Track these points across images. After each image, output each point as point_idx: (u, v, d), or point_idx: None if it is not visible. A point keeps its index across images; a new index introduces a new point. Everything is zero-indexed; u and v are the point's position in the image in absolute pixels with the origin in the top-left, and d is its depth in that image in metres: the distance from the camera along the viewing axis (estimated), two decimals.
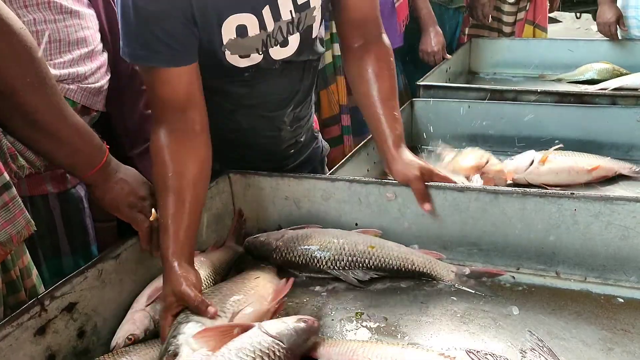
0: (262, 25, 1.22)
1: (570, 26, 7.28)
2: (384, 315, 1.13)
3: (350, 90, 1.75)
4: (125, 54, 1.18)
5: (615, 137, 1.84)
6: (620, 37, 2.90)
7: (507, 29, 3.28)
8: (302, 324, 0.98)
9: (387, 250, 1.24)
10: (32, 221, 0.99)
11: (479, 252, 1.27)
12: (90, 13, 1.34)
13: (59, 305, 0.99)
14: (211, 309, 1.01)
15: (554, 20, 5.89)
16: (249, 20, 1.20)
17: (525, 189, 1.24)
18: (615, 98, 1.94)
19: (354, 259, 1.23)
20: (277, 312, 1.11)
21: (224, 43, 1.21)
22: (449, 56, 2.77)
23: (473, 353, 0.98)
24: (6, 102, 0.97)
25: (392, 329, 1.09)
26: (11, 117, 1.00)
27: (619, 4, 2.96)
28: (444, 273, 1.23)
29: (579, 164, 1.68)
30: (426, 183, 1.27)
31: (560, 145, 1.74)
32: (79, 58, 1.29)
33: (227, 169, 1.42)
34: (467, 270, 1.22)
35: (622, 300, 1.14)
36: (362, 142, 1.70)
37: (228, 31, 1.20)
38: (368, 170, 1.68)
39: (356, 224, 1.35)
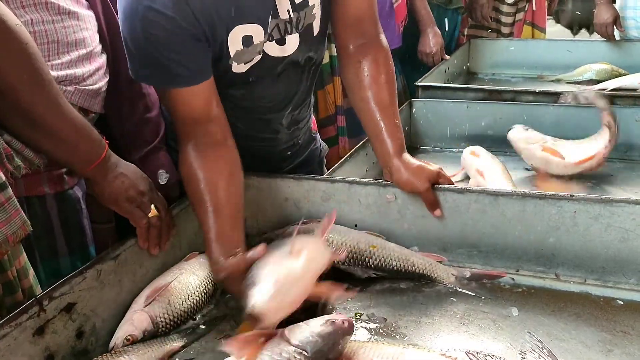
0: (267, 30, 1.21)
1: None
2: (384, 316, 1.13)
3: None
4: (140, 76, 1.21)
5: None
6: (618, 38, 2.90)
7: (505, 30, 3.29)
8: (329, 327, 0.90)
9: (388, 250, 1.24)
10: (28, 221, 0.99)
11: (479, 254, 1.27)
12: (89, 14, 1.33)
13: (57, 306, 0.98)
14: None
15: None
16: (255, 30, 1.19)
17: (525, 190, 1.24)
18: (614, 98, 1.95)
19: (354, 256, 1.23)
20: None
21: (232, 56, 1.21)
22: (447, 57, 2.78)
23: (472, 354, 0.98)
24: (3, 99, 0.96)
25: (392, 330, 1.09)
26: (9, 115, 0.99)
27: (617, 4, 2.97)
28: (444, 276, 1.22)
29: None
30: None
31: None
32: (77, 59, 1.28)
33: None
34: (467, 273, 1.22)
35: (621, 303, 1.14)
36: (361, 143, 1.69)
37: (234, 42, 1.19)
38: (367, 170, 1.68)
39: (356, 225, 1.34)
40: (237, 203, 1.19)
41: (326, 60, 2.45)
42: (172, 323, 1.10)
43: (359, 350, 0.97)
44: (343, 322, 0.91)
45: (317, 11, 1.28)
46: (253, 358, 0.86)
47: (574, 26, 4.21)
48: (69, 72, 1.25)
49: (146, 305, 1.10)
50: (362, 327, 1.10)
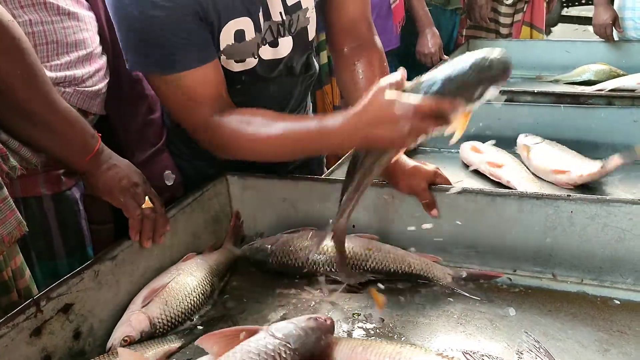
0: (258, 28, 1.20)
1: (567, 28, 7.30)
2: (381, 316, 1.13)
3: None
4: (141, 65, 1.16)
5: (611, 138, 1.84)
6: (616, 39, 2.91)
7: (504, 30, 3.30)
8: (312, 324, 0.94)
9: (384, 252, 1.24)
10: (24, 222, 0.99)
11: (476, 254, 1.27)
12: (89, 15, 1.33)
13: (54, 306, 0.99)
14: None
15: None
16: (246, 24, 1.19)
17: (522, 191, 1.25)
18: (612, 99, 1.95)
19: (352, 261, 1.23)
20: None
21: (221, 49, 1.19)
22: (445, 57, 2.78)
23: (469, 354, 0.98)
24: None
25: (389, 330, 1.10)
26: (3, 109, 1.00)
27: (615, 5, 2.98)
28: (441, 276, 1.23)
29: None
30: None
31: None
32: (77, 60, 1.28)
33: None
34: (463, 273, 1.22)
35: (618, 302, 1.14)
36: None
37: (227, 37, 1.18)
38: None
39: (353, 226, 1.35)
40: None
41: (324, 60, 2.46)
42: (169, 324, 1.10)
43: (357, 349, 0.97)
44: (325, 320, 0.96)
45: (311, 15, 1.27)
46: (224, 352, 0.90)
47: None
48: (68, 73, 1.25)
49: (144, 306, 1.10)
50: (360, 327, 1.10)
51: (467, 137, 1.95)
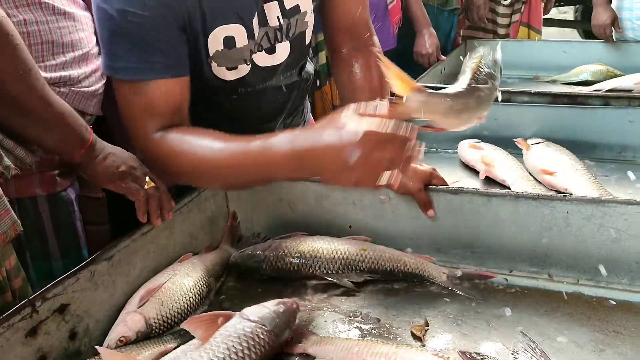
0: (251, 35, 1.17)
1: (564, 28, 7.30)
2: (377, 316, 1.13)
3: None
4: (112, 69, 1.09)
5: (608, 138, 1.85)
6: (614, 39, 2.91)
7: (501, 31, 3.30)
8: (282, 307, 1.01)
9: (379, 252, 1.24)
10: (19, 221, 0.99)
11: (472, 255, 1.27)
12: (85, 15, 1.33)
13: (50, 307, 0.98)
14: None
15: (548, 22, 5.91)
16: (237, 31, 1.15)
17: (518, 191, 1.25)
18: (608, 99, 1.95)
19: (347, 262, 1.23)
20: None
21: (211, 55, 1.16)
22: (443, 57, 2.78)
23: (466, 354, 0.98)
24: None
25: (385, 330, 1.10)
26: None
27: (613, 5, 2.98)
28: (436, 274, 1.23)
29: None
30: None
31: None
32: (72, 61, 1.28)
33: None
34: (458, 273, 1.22)
35: (614, 303, 1.14)
36: None
37: (215, 43, 1.14)
38: None
39: (350, 227, 1.35)
40: None
41: (323, 61, 2.46)
42: (165, 324, 1.10)
43: (353, 349, 0.98)
44: (292, 303, 1.03)
45: (309, 19, 1.25)
46: (209, 335, 0.94)
47: None
48: (63, 73, 1.25)
49: (140, 307, 1.10)
50: (356, 327, 1.11)
51: (464, 137, 1.95)
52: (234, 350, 0.92)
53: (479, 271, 1.24)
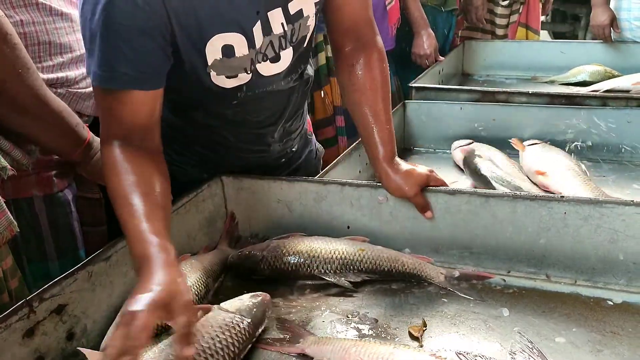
0: (252, 44, 1.15)
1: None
2: (375, 317, 1.13)
3: None
4: (87, 69, 1.07)
5: (606, 138, 1.85)
6: (612, 40, 2.92)
7: (500, 32, 3.31)
8: (257, 299, 1.08)
9: (377, 252, 1.24)
10: (15, 222, 0.99)
11: (470, 255, 1.28)
12: None
13: (48, 307, 0.98)
14: (190, 351, 0.85)
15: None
16: (237, 40, 1.13)
17: (515, 192, 1.25)
18: (606, 100, 1.96)
19: (345, 262, 1.23)
20: None
21: (209, 64, 1.13)
22: (441, 58, 2.79)
23: (463, 355, 0.98)
24: None
25: (383, 330, 1.10)
26: None
27: (611, 6, 2.99)
28: (434, 275, 1.23)
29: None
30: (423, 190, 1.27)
31: None
32: (69, 62, 1.28)
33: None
34: (456, 273, 1.23)
35: (611, 303, 1.15)
36: (354, 144, 1.70)
37: (213, 52, 1.12)
38: (360, 172, 1.68)
39: (348, 227, 1.35)
40: (169, 210, 1.09)
41: (323, 61, 2.46)
42: (163, 324, 1.10)
43: (350, 350, 0.98)
44: (265, 296, 1.10)
45: (311, 23, 1.24)
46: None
47: None
48: (60, 74, 1.25)
49: None
50: (353, 327, 1.11)
51: (460, 139, 1.96)
52: (218, 340, 0.96)
53: (477, 272, 1.25)
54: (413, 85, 2.21)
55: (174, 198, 1.34)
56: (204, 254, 1.30)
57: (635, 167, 1.80)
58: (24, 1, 1.19)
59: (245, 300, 1.07)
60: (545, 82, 2.72)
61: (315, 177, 1.47)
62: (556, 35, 6.78)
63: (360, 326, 1.11)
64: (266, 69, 1.21)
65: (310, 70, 1.41)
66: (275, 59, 1.21)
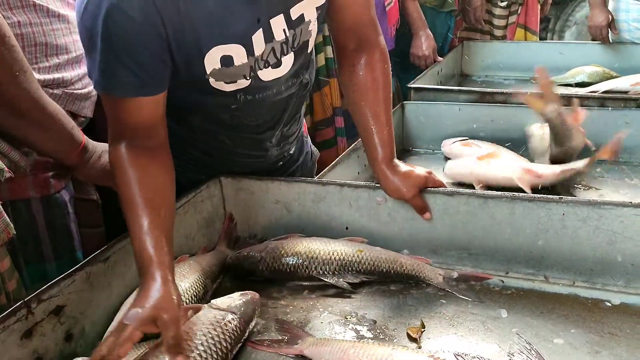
0: (251, 52, 1.15)
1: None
2: (373, 318, 1.13)
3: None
4: (89, 76, 1.10)
5: (604, 139, 1.85)
6: (611, 41, 2.92)
7: (498, 32, 3.31)
8: (246, 297, 1.09)
9: (375, 253, 1.25)
10: (12, 225, 0.99)
11: (469, 257, 1.28)
12: None
13: (46, 308, 0.98)
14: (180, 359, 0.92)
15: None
16: (236, 51, 1.12)
17: (514, 193, 1.25)
18: (604, 100, 1.96)
19: (344, 263, 1.23)
20: None
21: (207, 72, 1.13)
22: (440, 59, 2.79)
23: (461, 356, 0.99)
24: None
25: (381, 331, 1.10)
26: None
27: (610, 7, 2.99)
28: (432, 276, 1.23)
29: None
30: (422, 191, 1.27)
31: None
32: (66, 63, 1.28)
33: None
34: (454, 274, 1.23)
35: (609, 304, 1.15)
36: (352, 145, 1.70)
37: (211, 62, 1.12)
38: (359, 173, 1.68)
39: (347, 228, 1.35)
40: (172, 214, 1.11)
41: (322, 62, 2.45)
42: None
43: (349, 351, 0.98)
44: (254, 295, 1.11)
45: (313, 27, 1.23)
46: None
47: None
48: (56, 75, 1.25)
49: None
50: (352, 328, 1.11)
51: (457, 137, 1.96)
52: (210, 336, 0.98)
53: (475, 273, 1.25)
54: (411, 86, 2.21)
55: None
56: (202, 255, 1.30)
57: (633, 167, 1.80)
58: (21, 2, 1.19)
59: (235, 298, 1.09)
60: None
61: (314, 178, 1.48)
62: None
63: (359, 327, 1.11)
64: (266, 74, 1.21)
65: (309, 75, 1.41)
66: (277, 64, 1.21)
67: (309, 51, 1.28)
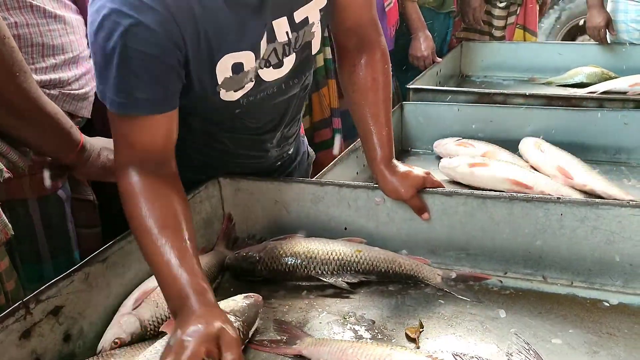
0: (258, 56, 1.14)
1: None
2: (372, 318, 1.14)
3: (342, 93, 1.72)
4: (101, 94, 1.05)
5: (602, 140, 1.86)
6: (609, 41, 2.92)
7: (497, 33, 3.31)
8: (250, 300, 1.09)
9: (374, 253, 1.25)
10: (10, 225, 0.99)
11: (467, 257, 1.28)
12: (77, 18, 1.33)
13: (44, 309, 0.98)
14: None
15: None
16: (246, 57, 1.13)
17: (512, 193, 1.25)
18: (603, 101, 1.96)
19: (342, 263, 1.23)
20: None
21: (219, 83, 1.13)
22: (439, 60, 2.79)
23: (460, 356, 0.99)
24: None
25: (379, 331, 1.10)
26: None
27: (608, 8, 2.99)
28: (431, 276, 1.23)
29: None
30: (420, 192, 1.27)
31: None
32: (63, 63, 1.28)
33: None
34: (453, 274, 1.23)
35: (607, 304, 1.15)
36: (351, 146, 1.70)
37: (223, 70, 1.12)
38: (357, 173, 1.68)
39: (345, 228, 1.35)
40: (196, 244, 1.05)
41: (321, 63, 2.45)
42: (160, 326, 1.10)
43: (347, 351, 0.98)
44: (257, 297, 1.12)
45: (316, 29, 1.23)
46: None
47: None
48: (53, 76, 1.25)
49: (134, 308, 1.10)
50: (350, 329, 1.11)
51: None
52: None
53: (474, 273, 1.25)
54: (410, 86, 2.22)
55: None
56: (201, 255, 1.29)
57: (632, 168, 1.80)
58: (19, 3, 1.20)
59: (239, 300, 1.08)
60: (543, 84, 2.72)
61: (313, 179, 1.48)
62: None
63: (357, 327, 1.11)
64: (268, 74, 1.21)
65: (310, 75, 1.41)
66: (278, 65, 1.21)
67: (313, 52, 1.28)
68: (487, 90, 2.17)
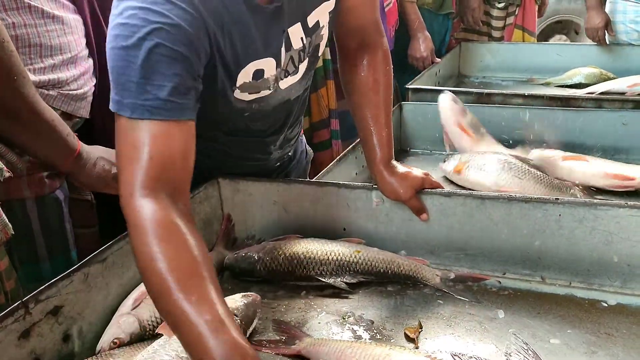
0: (279, 64, 1.16)
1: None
2: (370, 318, 1.14)
3: (340, 95, 1.72)
4: (122, 106, 0.95)
5: (601, 140, 1.86)
6: (607, 42, 2.93)
7: (496, 34, 3.31)
8: (248, 299, 1.10)
9: (373, 253, 1.25)
10: (9, 225, 0.99)
11: (466, 257, 1.28)
12: (75, 19, 1.33)
13: (43, 309, 0.98)
14: None
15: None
16: (267, 64, 1.13)
17: (510, 194, 1.25)
18: (602, 102, 1.97)
19: (341, 263, 1.23)
20: None
21: (237, 85, 1.12)
22: (438, 60, 2.79)
23: (458, 356, 0.99)
24: None
25: (378, 332, 1.10)
26: None
27: (607, 9, 3.00)
28: (429, 276, 1.23)
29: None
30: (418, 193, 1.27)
31: None
32: (61, 64, 1.28)
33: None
34: (452, 275, 1.23)
35: (605, 305, 1.15)
36: (350, 146, 1.70)
37: (245, 76, 1.12)
38: (356, 174, 1.68)
39: (344, 229, 1.35)
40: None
41: (320, 64, 2.45)
42: (159, 326, 1.10)
43: (346, 351, 0.98)
44: (255, 296, 1.12)
45: (325, 31, 1.24)
46: None
47: None
48: (51, 76, 1.25)
49: (133, 308, 1.10)
50: (349, 329, 1.11)
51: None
52: None
53: (472, 273, 1.25)
54: (409, 87, 2.22)
55: None
56: None
57: None
58: (16, 4, 1.19)
59: (237, 299, 1.09)
60: (541, 84, 2.73)
61: (312, 179, 1.48)
62: None
63: (356, 327, 1.11)
64: (285, 83, 1.21)
65: (312, 76, 1.41)
66: (294, 72, 1.21)
67: (320, 55, 1.28)
68: (485, 91, 2.17)
